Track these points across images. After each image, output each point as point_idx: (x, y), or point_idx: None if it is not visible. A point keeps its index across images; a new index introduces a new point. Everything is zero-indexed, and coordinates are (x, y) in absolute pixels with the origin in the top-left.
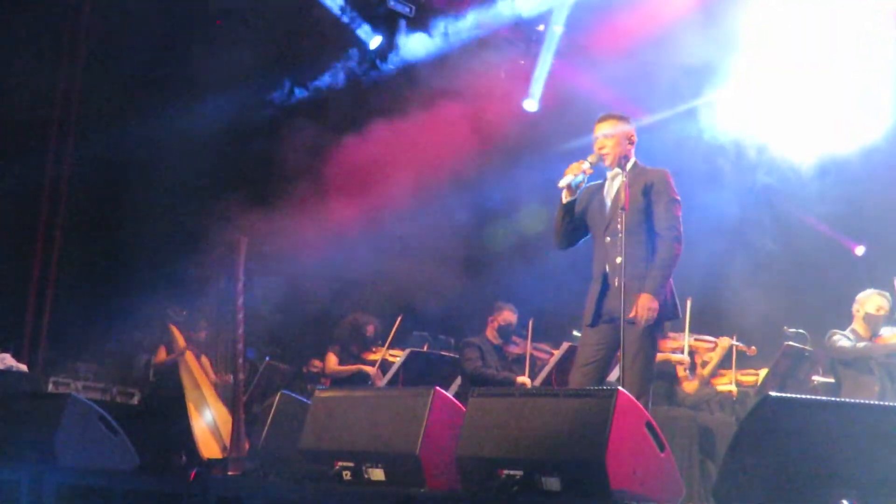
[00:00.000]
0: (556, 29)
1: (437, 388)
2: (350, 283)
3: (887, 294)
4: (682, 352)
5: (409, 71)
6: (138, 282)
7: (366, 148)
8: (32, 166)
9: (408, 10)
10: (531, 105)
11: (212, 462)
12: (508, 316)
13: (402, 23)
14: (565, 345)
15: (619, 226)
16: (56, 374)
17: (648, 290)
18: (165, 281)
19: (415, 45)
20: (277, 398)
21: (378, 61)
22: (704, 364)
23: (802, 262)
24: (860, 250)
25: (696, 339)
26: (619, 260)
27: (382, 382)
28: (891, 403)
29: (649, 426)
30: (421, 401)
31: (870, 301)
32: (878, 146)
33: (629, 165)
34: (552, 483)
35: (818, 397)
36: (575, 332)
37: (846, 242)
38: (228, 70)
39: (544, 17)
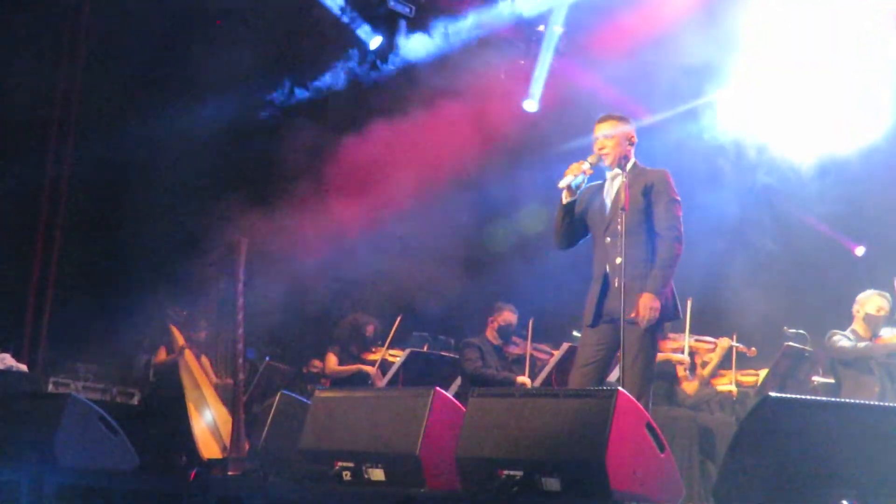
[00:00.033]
0: (556, 29)
1: (437, 388)
2: (350, 283)
3: (887, 295)
4: (683, 352)
5: (410, 71)
6: (138, 282)
7: (366, 148)
8: (32, 166)
9: (408, 10)
10: (531, 105)
11: (212, 462)
12: (508, 316)
13: (403, 23)
14: (565, 345)
15: (619, 226)
16: (56, 374)
17: (650, 290)
18: (165, 281)
19: (415, 45)
20: (277, 398)
21: (378, 61)
22: (704, 364)
23: (802, 263)
24: (860, 251)
25: (696, 340)
26: (619, 260)
27: (382, 383)
28: (891, 404)
29: (649, 427)
30: (421, 401)
31: (870, 302)
32: (878, 146)
33: (629, 166)
34: (552, 483)
35: (818, 398)
36: (575, 333)
37: (846, 243)
38: (228, 70)
39: (544, 17)
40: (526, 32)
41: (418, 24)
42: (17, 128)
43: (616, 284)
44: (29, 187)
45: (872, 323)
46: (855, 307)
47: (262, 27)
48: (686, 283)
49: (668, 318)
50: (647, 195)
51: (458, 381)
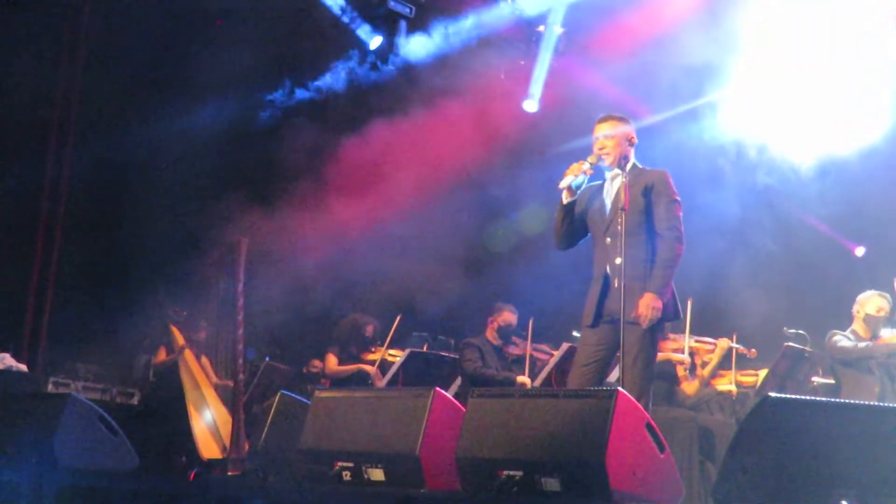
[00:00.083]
0: (556, 29)
1: (437, 388)
2: (350, 283)
3: (887, 295)
4: (683, 353)
5: (410, 71)
6: (138, 282)
7: (366, 148)
8: (32, 166)
9: (408, 10)
10: (531, 105)
11: (212, 462)
12: (508, 316)
13: (403, 23)
14: (565, 345)
15: (619, 227)
16: (56, 374)
17: (652, 290)
18: (165, 281)
19: (415, 45)
20: (277, 398)
21: (378, 62)
22: (704, 365)
23: (802, 263)
24: (860, 251)
25: (696, 341)
26: (619, 261)
27: (382, 383)
28: (891, 404)
29: (649, 427)
30: (421, 401)
31: (870, 302)
32: (877, 147)
33: (629, 166)
34: (552, 483)
35: (818, 398)
36: (575, 333)
37: (846, 243)
38: (228, 70)
39: (544, 17)
40: (526, 32)
41: (418, 24)
42: (17, 128)
43: (616, 285)
44: (29, 187)
45: (872, 323)
46: (855, 307)
47: (262, 27)
48: (686, 283)
49: (668, 318)
50: (647, 195)
51: (458, 381)
